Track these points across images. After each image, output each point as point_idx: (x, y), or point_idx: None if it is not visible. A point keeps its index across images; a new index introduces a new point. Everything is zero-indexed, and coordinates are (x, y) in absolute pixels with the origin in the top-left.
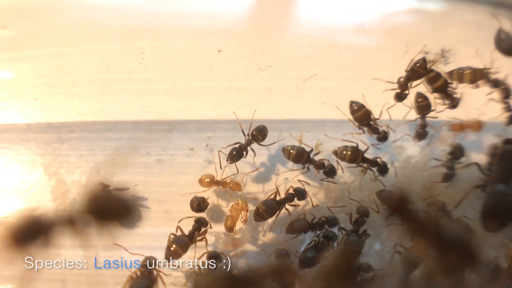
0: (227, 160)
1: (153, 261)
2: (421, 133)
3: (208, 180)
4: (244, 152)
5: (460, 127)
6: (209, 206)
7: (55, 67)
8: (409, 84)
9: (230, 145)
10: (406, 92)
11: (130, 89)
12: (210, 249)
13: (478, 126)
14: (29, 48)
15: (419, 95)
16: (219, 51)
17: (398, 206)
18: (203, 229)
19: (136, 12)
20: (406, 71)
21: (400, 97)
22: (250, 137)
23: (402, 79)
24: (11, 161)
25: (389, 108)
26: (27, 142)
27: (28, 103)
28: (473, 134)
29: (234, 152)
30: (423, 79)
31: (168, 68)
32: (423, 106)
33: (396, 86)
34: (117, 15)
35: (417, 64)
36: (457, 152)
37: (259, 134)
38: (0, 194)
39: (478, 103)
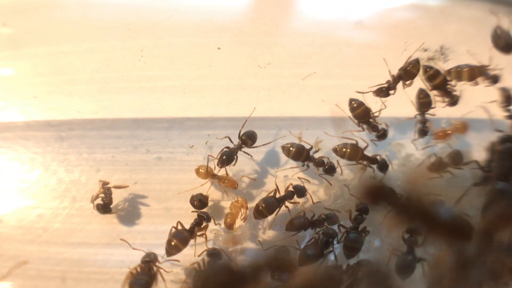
0: (217, 164)
1: (154, 256)
2: (423, 130)
3: (204, 171)
4: (235, 156)
5: (443, 135)
6: (209, 204)
7: (54, 65)
8: (398, 83)
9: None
10: (392, 91)
11: (129, 87)
12: (209, 246)
13: (462, 128)
14: (28, 46)
15: (422, 92)
16: (218, 48)
17: (375, 195)
18: (204, 224)
19: (136, 9)
20: (399, 70)
21: (384, 93)
22: (240, 142)
23: (392, 78)
24: (11, 160)
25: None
26: (26, 141)
27: (28, 102)
28: (473, 133)
29: (224, 157)
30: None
31: (167, 66)
32: (424, 103)
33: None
34: (116, 12)
35: (411, 65)
36: (456, 158)
37: (248, 138)
38: None
39: (477, 100)
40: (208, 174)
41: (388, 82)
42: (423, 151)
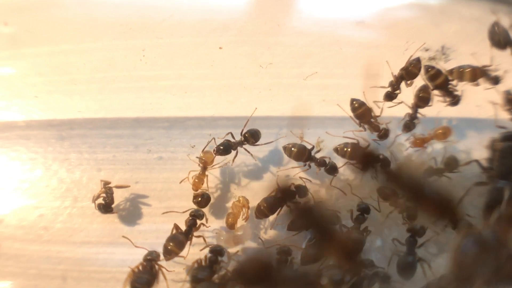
0: (213, 151)
1: (156, 255)
2: (409, 125)
3: (203, 159)
4: (233, 150)
5: (421, 142)
6: (210, 203)
7: (55, 65)
8: (400, 83)
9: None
10: (397, 92)
11: (130, 87)
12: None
13: (442, 135)
14: (29, 46)
15: (423, 87)
16: (220, 48)
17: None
18: (199, 223)
19: (137, 8)
20: (400, 70)
21: (391, 96)
22: (242, 138)
23: (394, 79)
24: (11, 160)
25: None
26: (27, 140)
27: (28, 101)
28: (474, 132)
29: (222, 147)
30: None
31: (168, 65)
32: (422, 98)
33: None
34: (117, 12)
35: (412, 65)
36: (451, 164)
37: (251, 136)
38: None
39: (478, 100)
40: (205, 162)
41: (390, 83)
42: (424, 151)
